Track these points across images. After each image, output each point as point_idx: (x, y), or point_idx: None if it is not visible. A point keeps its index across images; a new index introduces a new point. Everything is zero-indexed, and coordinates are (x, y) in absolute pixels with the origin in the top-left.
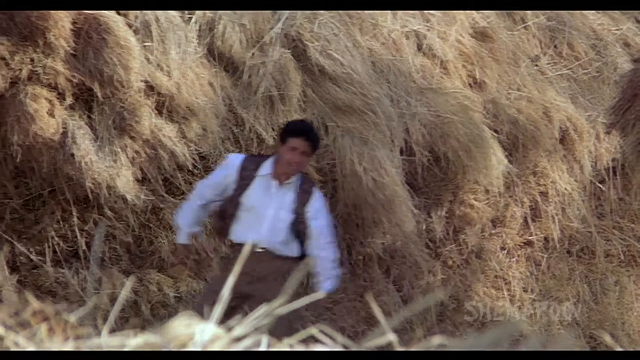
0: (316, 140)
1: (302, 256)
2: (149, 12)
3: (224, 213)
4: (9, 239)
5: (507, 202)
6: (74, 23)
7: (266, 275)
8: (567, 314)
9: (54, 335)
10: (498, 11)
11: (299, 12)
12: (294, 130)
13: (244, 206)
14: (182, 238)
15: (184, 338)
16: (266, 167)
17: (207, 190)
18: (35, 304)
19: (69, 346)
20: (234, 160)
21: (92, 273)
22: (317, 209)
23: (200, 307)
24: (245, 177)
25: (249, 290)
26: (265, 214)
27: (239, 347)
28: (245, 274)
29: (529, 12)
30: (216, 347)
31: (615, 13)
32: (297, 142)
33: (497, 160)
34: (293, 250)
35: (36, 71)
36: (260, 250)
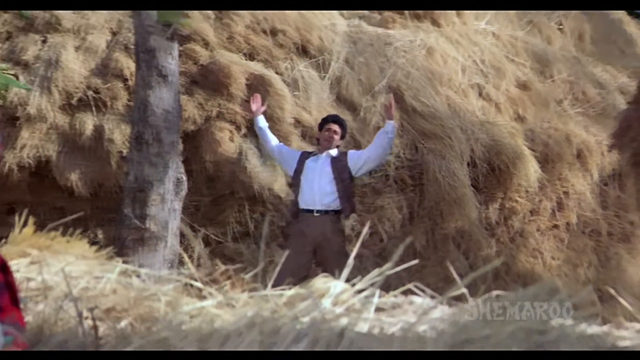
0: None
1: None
2: (297, 72)
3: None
4: (204, 224)
5: (540, 198)
6: (247, 79)
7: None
8: (582, 275)
9: (235, 288)
10: (533, 69)
11: (399, 72)
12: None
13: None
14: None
15: (323, 291)
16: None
17: (284, 148)
18: (222, 267)
19: (244, 296)
20: (298, 152)
21: (260, 247)
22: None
23: (284, 272)
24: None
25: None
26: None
27: (359, 297)
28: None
29: (555, 69)
30: (344, 297)
31: (615, 70)
32: (329, 125)
33: (534, 170)
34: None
35: (222, 112)
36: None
